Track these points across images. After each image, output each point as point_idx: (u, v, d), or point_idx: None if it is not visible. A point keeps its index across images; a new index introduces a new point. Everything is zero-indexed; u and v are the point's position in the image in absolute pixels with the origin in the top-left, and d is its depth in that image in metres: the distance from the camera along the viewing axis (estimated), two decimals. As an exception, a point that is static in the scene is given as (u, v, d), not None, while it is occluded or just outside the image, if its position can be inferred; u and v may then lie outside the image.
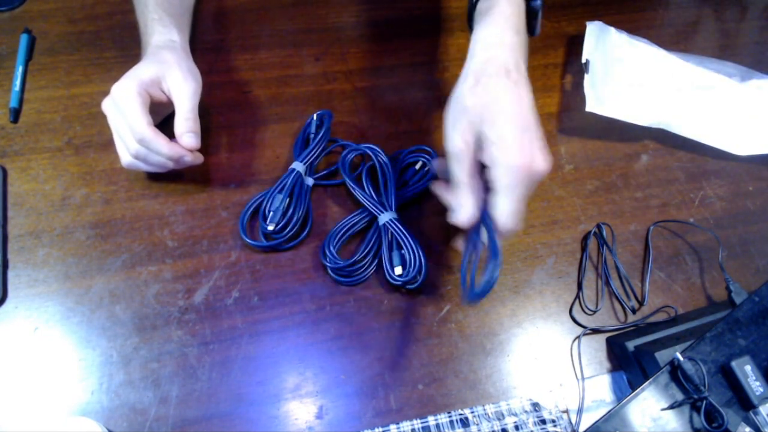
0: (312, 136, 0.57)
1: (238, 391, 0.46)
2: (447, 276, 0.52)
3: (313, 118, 0.58)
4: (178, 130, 0.50)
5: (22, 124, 0.58)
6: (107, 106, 0.50)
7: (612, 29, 0.65)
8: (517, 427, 0.46)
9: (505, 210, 0.40)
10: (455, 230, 0.45)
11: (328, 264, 0.51)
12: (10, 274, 0.50)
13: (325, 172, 0.57)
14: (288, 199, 0.52)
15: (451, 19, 0.70)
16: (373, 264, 0.52)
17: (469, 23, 0.48)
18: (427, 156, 0.55)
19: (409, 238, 0.50)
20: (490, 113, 0.39)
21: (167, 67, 0.51)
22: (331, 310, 0.50)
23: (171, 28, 0.55)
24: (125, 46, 0.63)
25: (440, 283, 0.52)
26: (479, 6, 0.46)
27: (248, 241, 0.52)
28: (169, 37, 0.55)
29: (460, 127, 0.41)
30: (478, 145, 0.40)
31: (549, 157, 0.40)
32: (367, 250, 0.51)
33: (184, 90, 0.51)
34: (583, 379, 0.49)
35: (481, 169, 0.42)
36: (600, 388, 0.48)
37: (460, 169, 0.41)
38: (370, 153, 0.55)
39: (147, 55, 0.53)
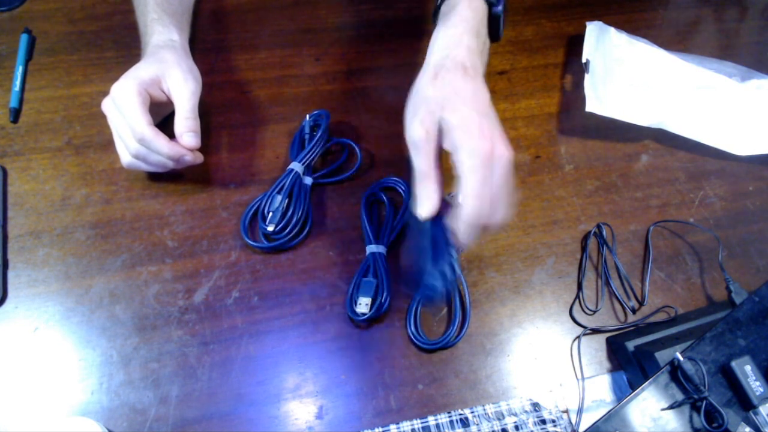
0: (307, 137, 0.57)
1: (238, 391, 0.46)
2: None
3: (306, 119, 0.57)
4: (178, 130, 0.50)
5: (22, 124, 0.58)
6: (107, 105, 0.50)
7: (612, 29, 0.65)
8: (517, 427, 0.46)
9: (470, 192, 0.39)
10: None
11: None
12: (10, 274, 0.50)
13: (324, 171, 0.57)
14: (287, 200, 0.52)
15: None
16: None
17: (434, 22, 0.50)
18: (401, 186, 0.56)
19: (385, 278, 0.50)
20: (451, 102, 0.41)
21: (167, 67, 0.51)
22: (331, 310, 0.50)
23: (171, 27, 0.55)
24: (125, 46, 0.63)
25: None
26: (442, 8, 0.49)
27: (249, 242, 0.52)
28: (168, 37, 0.55)
29: (420, 116, 0.41)
30: (439, 133, 0.41)
31: (510, 147, 0.41)
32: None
33: (184, 90, 0.51)
34: (583, 379, 0.49)
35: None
36: (600, 388, 0.48)
37: (422, 158, 0.41)
38: (399, 190, 0.56)
39: (147, 55, 0.53)
